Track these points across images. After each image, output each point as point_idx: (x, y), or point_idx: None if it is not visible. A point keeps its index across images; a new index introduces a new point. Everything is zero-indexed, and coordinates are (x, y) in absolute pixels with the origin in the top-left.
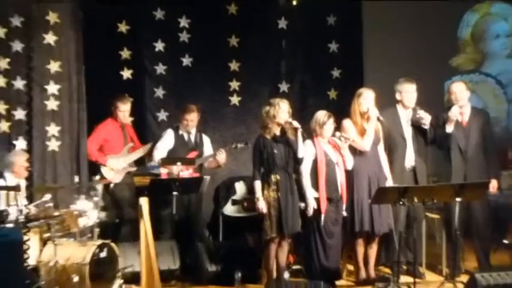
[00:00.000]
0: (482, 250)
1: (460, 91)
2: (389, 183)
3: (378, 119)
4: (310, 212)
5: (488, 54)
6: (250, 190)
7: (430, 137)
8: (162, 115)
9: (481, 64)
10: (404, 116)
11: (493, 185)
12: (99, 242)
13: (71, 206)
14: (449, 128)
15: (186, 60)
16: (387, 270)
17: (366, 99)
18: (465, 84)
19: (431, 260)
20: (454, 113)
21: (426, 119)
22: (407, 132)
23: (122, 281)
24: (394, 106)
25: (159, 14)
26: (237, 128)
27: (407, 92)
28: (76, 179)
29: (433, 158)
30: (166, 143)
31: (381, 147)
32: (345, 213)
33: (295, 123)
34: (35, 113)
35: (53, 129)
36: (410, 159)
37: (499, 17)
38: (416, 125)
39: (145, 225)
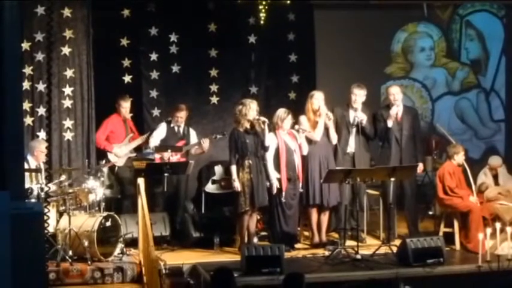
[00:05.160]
0: (411, 220)
1: (397, 93)
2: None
3: (327, 115)
4: (274, 190)
5: (415, 63)
6: (227, 172)
7: (369, 133)
8: (156, 112)
9: (409, 72)
10: (352, 113)
11: (420, 167)
12: (105, 213)
13: (82, 184)
14: (390, 123)
15: (175, 68)
16: (336, 235)
17: (317, 99)
18: (400, 88)
19: (371, 227)
20: (393, 111)
21: (364, 119)
22: (352, 127)
23: (123, 245)
24: (345, 104)
25: (153, 31)
26: (216, 122)
27: (355, 95)
28: (86, 162)
29: (372, 146)
30: (159, 133)
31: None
32: (301, 190)
33: (263, 118)
34: (53, 110)
35: (68, 123)
36: (351, 147)
37: (424, 34)
38: (357, 124)
39: (142, 200)
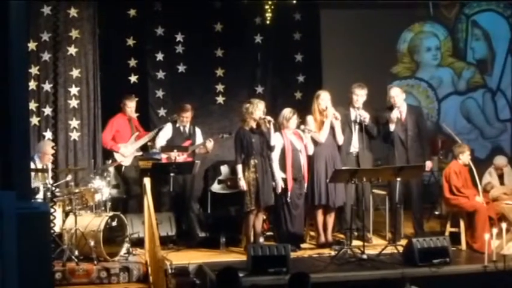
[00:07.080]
0: (417, 219)
1: (397, 95)
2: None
3: (334, 115)
4: (279, 189)
5: (421, 63)
6: (233, 172)
7: (372, 132)
8: (162, 111)
9: (415, 71)
10: (354, 113)
11: (428, 166)
12: (111, 213)
13: (88, 184)
14: (392, 127)
15: (181, 68)
16: (342, 235)
17: (324, 99)
18: (400, 88)
19: (377, 227)
20: (394, 115)
21: (366, 117)
22: (355, 125)
23: (129, 244)
24: (347, 104)
25: (159, 30)
26: (222, 121)
27: (357, 95)
28: (92, 162)
29: (376, 146)
30: (165, 133)
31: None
32: (305, 190)
33: (269, 118)
34: (59, 110)
35: (74, 123)
36: (354, 146)
37: (430, 34)
38: (360, 122)
39: (148, 200)
